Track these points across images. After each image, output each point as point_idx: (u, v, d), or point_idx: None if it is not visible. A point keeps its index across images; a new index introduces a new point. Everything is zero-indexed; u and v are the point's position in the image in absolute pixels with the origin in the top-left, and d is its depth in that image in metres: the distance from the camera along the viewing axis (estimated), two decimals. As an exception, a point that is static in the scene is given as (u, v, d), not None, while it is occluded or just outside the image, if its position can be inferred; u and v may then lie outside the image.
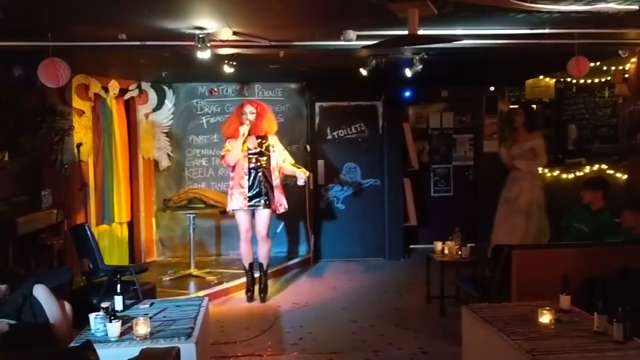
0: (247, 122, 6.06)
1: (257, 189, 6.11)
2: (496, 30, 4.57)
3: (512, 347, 3.09)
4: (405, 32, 3.94)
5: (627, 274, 3.77)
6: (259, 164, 6.14)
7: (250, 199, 6.10)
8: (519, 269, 4.28)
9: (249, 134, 6.10)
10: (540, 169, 6.95)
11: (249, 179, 6.11)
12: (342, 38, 4.53)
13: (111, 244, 7.26)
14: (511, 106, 9.09)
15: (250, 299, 6.32)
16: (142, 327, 3.40)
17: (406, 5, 3.63)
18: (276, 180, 6.22)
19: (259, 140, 6.20)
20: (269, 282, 6.53)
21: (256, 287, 6.40)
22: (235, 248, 8.06)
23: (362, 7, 3.83)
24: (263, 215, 6.22)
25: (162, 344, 3.35)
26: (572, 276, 3.72)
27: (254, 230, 6.28)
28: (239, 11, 3.98)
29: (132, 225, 7.74)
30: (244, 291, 6.48)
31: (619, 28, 4.60)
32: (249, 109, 6.15)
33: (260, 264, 6.38)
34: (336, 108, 8.21)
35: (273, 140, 6.30)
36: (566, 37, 4.68)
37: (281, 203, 6.24)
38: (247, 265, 6.39)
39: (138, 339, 3.37)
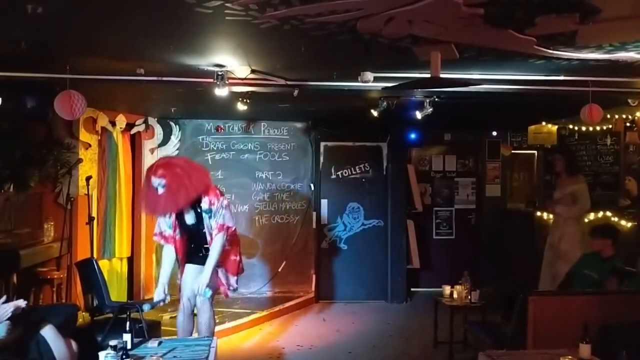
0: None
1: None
2: (512, 76, 4.62)
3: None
4: (425, 75, 4.00)
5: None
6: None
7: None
8: (535, 316, 4.22)
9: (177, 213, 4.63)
10: (583, 214, 6.63)
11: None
12: (359, 79, 4.56)
13: (110, 279, 7.10)
14: (513, 151, 9.19)
15: None
16: (154, 368, 3.30)
17: (430, 49, 3.67)
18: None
19: (194, 210, 4.67)
20: (270, 322, 6.28)
21: None
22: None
23: (383, 49, 3.85)
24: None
25: (175, 386, 3.26)
26: (589, 324, 3.66)
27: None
28: (262, 50, 4.00)
29: (131, 261, 7.62)
30: (245, 332, 6.33)
31: (631, 77, 4.66)
32: (156, 181, 4.45)
33: None
34: (341, 148, 8.23)
35: (206, 203, 4.61)
36: (580, 84, 4.74)
37: (230, 283, 4.95)
38: None
39: (150, 379, 3.26)
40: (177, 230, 4.77)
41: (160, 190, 4.46)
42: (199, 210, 4.65)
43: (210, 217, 4.62)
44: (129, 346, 3.61)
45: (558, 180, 6.83)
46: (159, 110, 7.44)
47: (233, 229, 4.82)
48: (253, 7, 2.97)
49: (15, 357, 3.57)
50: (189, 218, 4.71)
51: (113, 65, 4.50)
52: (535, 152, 9.22)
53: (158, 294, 4.71)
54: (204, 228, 4.67)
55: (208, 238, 4.67)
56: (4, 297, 3.60)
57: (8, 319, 3.63)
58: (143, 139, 7.76)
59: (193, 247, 4.85)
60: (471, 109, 6.74)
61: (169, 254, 4.84)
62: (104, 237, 7.00)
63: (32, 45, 3.91)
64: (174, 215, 4.69)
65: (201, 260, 4.76)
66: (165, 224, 4.75)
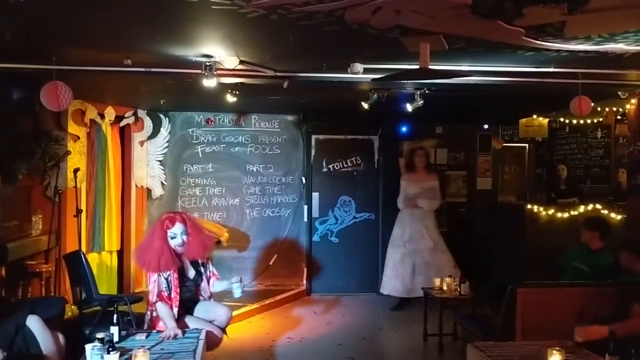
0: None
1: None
2: (502, 68, 4.61)
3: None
4: (415, 66, 3.98)
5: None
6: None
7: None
8: (524, 308, 4.23)
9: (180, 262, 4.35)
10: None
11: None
12: (349, 70, 4.53)
13: (100, 272, 7.08)
14: (504, 144, 9.19)
15: None
16: (141, 360, 3.27)
17: (419, 40, 3.65)
18: None
19: (197, 267, 4.50)
20: (261, 315, 6.28)
21: None
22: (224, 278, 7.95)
23: (373, 40, 3.83)
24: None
25: (162, 378, 3.24)
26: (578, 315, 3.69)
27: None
28: (251, 40, 3.97)
29: (121, 254, 7.58)
30: (236, 325, 6.30)
31: (621, 69, 4.66)
32: (179, 228, 4.23)
33: None
34: (332, 141, 8.21)
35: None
36: (570, 76, 4.73)
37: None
38: None
39: (136, 372, 3.23)
40: (173, 290, 4.32)
41: (180, 240, 4.25)
42: (201, 268, 4.55)
43: (207, 269, 4.59)
44: (115, 339, 3.60)
45: (412, 176, 7.41)
46: (148, 102, 7.39)
47: None
48: (238, -5, 2.94)
49: (1, 349, 3.54)
50: (190, 272, 4.48)
51: (100, 56, 4.46)
52: (527, 145, 9.23)
53: (174, 328, 4.06)
54: (202, 281, 4.53)
55: (206, 288, 4.57)
56: None
57: None
58: (132, 132, 7.70)
59: (188, 304, 4.50)
60: (462, 101, 6.73)
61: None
62: (93, 230, 6.96)
63: (18, 36, 3.87)
64: (175, 274, 4.31)
65: (190, 310, 4.50)
66: (162, 283, 4.26)
